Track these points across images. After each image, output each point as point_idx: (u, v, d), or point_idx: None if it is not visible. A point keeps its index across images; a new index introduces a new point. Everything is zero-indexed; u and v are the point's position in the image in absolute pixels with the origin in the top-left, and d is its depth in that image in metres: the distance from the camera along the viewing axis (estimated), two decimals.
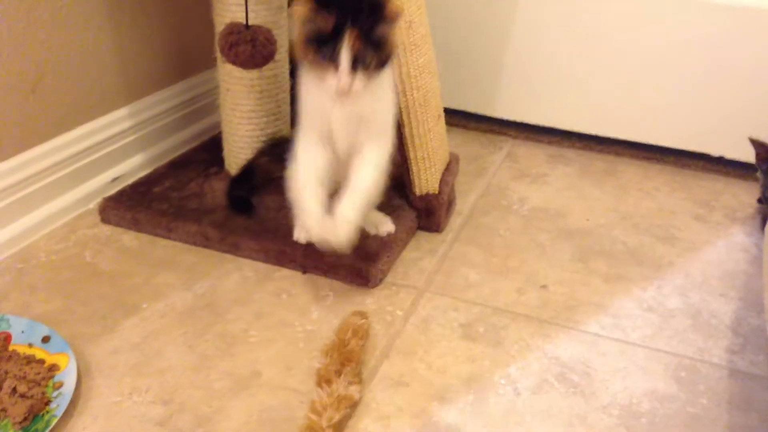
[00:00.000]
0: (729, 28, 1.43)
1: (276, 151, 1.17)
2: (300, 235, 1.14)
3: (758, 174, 1.39)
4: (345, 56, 0.85)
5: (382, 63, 0.90)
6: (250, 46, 1.03)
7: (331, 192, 1.01)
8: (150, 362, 0.93)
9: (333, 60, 0.86)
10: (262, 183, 1.19)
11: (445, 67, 1.60)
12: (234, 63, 1.06)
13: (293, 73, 1.22)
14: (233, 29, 1.05)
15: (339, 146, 0.99)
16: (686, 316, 1.08)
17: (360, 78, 0.88)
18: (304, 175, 0.98)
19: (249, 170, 1.18)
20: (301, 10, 0.85)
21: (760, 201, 1.39)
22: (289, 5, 1.24)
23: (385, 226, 1.17)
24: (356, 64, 0.87)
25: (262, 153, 1.24)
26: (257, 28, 1.06)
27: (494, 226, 1.30)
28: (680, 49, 1.47)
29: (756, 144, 1.38)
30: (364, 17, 0.85)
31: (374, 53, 0.88)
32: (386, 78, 0.96)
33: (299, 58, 0.92)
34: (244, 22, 1.07)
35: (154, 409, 0.86)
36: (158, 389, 0.89)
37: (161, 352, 0.95)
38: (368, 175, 0.99)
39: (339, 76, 0.86)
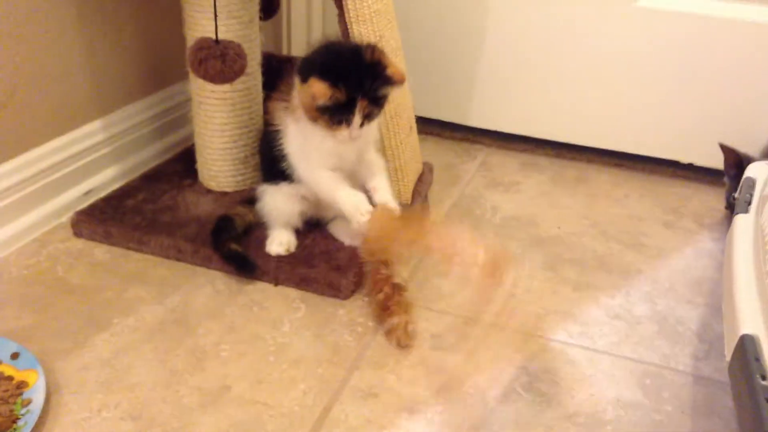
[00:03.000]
0: (698, 37, 1.45)
1: (249, 201, 1.21)
2: (272, 247, 1.15)
3: (725, 179, 1.42)
4: (357, 120, 0.99)
5: (381, 109, 1.03)
6: (220, 62, 1.04)
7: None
8: (120, 378, 0.93)
9: (347, 123, 0.99)
10: (242, 231, 1.17)
11: (419, 76, 1.62)
12: (204, 78, 1.06)
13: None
14: (203, 44, 1.05)
15: (348, 167, 1.09)
16: (653, 323, 1.10)
17: (365, 126, 1.01)
18: (335, 179, 1.06)
19: (226, 219, 1.17)
20: (318, 90, 0.94)
21: (727, 207, 1.41)
22: (261, 19, 1.25)
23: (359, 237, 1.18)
24: (370, 117, 1.01)
25: (236, 203, 1.23)
26: (227, 43, 1.06)
27: None
28: (650, 57, 1.50)
29: (725, 150, 1.40)
30: (369, 85, 0.97)
31: (377, 107, 1.01)
32: None
33: (307, 119, 1.01)
34: (214, 37, 1.07)
35: (124, 425, 0.86)
36: (128, 405, 0.89)
37: (131, 368, 0.95)
38: (382, 174, 1.12)
39: (351, 131, 0.99)
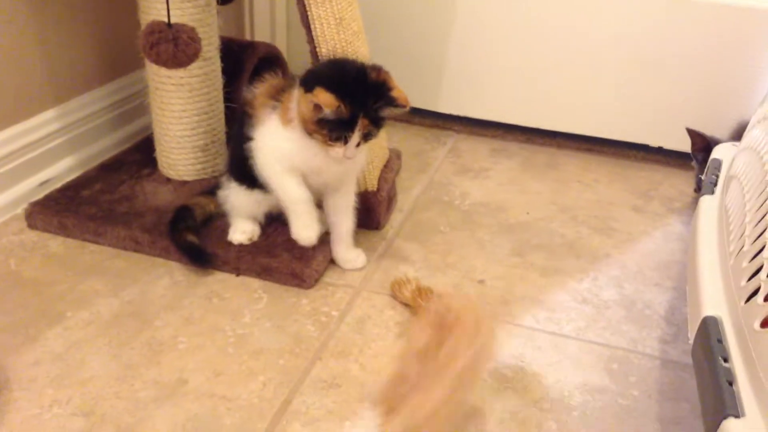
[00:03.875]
0: (665, 20, 1.44)
1: (211, 191, 1.18)
2: (234, 236, 1.12)
3: (693, 163, 1.41)
4: (355, 137, 0.97)
5: (379, 130, 1.02)
6: (172, 45, 1.01)
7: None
8: (72, 373, 0.90)
9: (345, 140, 0.97)
10: (201, 221, 1.14)
11: (387, 62, 1.58)
12: (156, 62, 1.03)
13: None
14: (155, 28, 1.02)
15: (320, 185, 1.07)
16: (620, 307, 1.09)
17: (360, 146, 1.00)
18: (301, 193, 1.04)
19: (185, 209, 1.14)
20: (324, 99, 0.93)
21: (696, 191, 1.41)
22: (218, 3, 1.21)
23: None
24: (367, 137, 1.00)
25: (197, 193, 1.20)
26: (180, 27, 1.03)
27: (435, 222, 1.30)
28: (618, 41, 1.49)
29: (692, 134, 1.39)
30: (372, 104, 0.97)
31: (376, 128, 1.00)
32: None
33: (303, 131, 0.99)
34: (167, 20, 1.04)
35: (75, 421, 0.83)
36: (80, 401, 0.86)
37: (84, 363, 0.92)
38: (350, 218, 1.12)
39: (346, 149, 0.98)
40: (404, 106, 0.98)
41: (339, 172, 1.06)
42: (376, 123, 0.99)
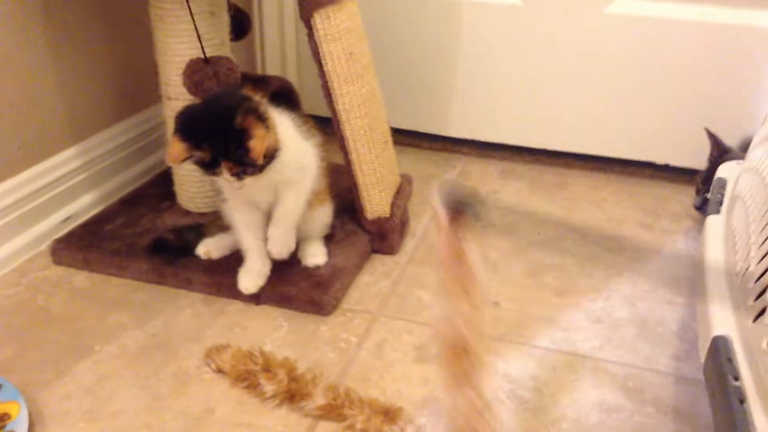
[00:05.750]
0: (667, 40, 1.47)
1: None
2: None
3: (697, 178, 1.42)
4: (227, 177, 0.98)
5: (264, 166, 0.99)
6: (215, 81, 1.05)
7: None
8: (103, 406, 0.93)
9: (215, 174, 0.98)
10: (179, 252, 1.18)
11: (396, 89, 1.63)
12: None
13: None
14: (195, 68, 1.06)
15: (262, 206, 1.09)
16: (633, 325, 1.11)
17: (248, 178, 0.99)
18: (246, 233, 1.10)
19: (161, 242, 1.19)
20: (173, 150, 0.95)
21: (696, 208, 1.42)
22: (231, 40, 1.25)
23: (314, 258, 1.17)
24: (240, 175, 0.98)
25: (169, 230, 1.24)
26: (216, 60, 1.07)
27: None
28: (622, 61, 1.52)
29: (711, 136, 1.40)
30: (234, 150, 0.95)
31: (253, 168, 0.98)
32: (286, 150, 1.02)
33: None
34: (201, 57, 1.08)
35: None
36: None
37: (114, 395, 0.95)
38: (289, 204, 1.09)
39: (236, 183, 0.99)
40: (254, 160, 0.95)
41: (264, 190, 1.06)
42: (248, 165, 0.97)
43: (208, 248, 1.17)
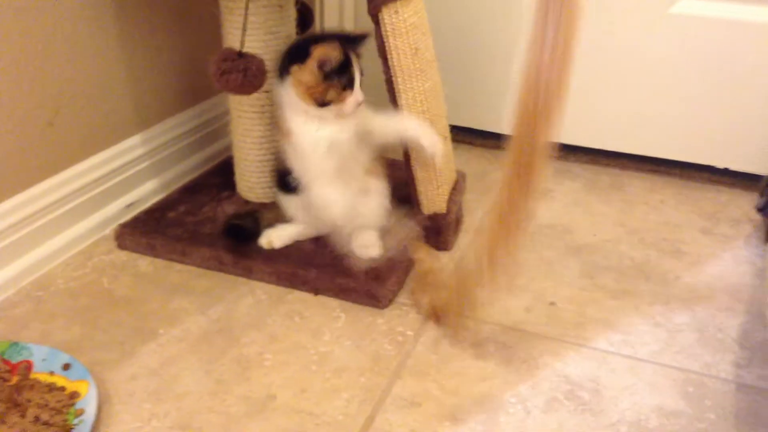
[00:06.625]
0: (731, 41, 1.44)
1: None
2: (264, 240, 1.19)
3: (764, 180, 1.39)
4: (357, 76, 1.07)
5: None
6: (242, 75, 1.06)
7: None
8: (168, 388, 0.95)
9: (349, 84, 1.06)
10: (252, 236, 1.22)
11: (454, 86, 1.62)
12: (223, 89, 1.08)
13: None
14: (227, 56, 1.07)
15: (350, 165, 1.14)
16: (693, 330, 1.10)
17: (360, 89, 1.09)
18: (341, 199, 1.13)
19: (235, 227, 1.22)
20: (327, 50, 1.04)
21: (760, 210, 1.39)
22: (297, 33, 1.26)
23: (367, 250, 1.19)
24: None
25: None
26: (251, 58, 1.07)
27: None
28: (684, 61, 1.49)
29: None
30: (355, 44, 1.08)
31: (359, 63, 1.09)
32: None
33: (313, 102, 1.07)
34: (237, 49, 1.09)
35: None
36: (176, 415, 0.91)
37: (178, 378, 0.97)
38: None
39: (355, 93, 1.07)
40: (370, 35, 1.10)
41: (356, 150, 1.13)
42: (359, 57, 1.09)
43: (270, 238, 1.19)
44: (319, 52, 1.03)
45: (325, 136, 1.08)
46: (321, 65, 1.04)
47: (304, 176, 1.13)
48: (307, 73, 1.05)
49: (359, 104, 1.08)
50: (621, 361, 1.03)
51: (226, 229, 1.20)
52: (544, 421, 0.92)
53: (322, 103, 1.06)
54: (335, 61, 1.04)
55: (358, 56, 1.08)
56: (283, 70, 1.08)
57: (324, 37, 1.07)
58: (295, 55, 1.07)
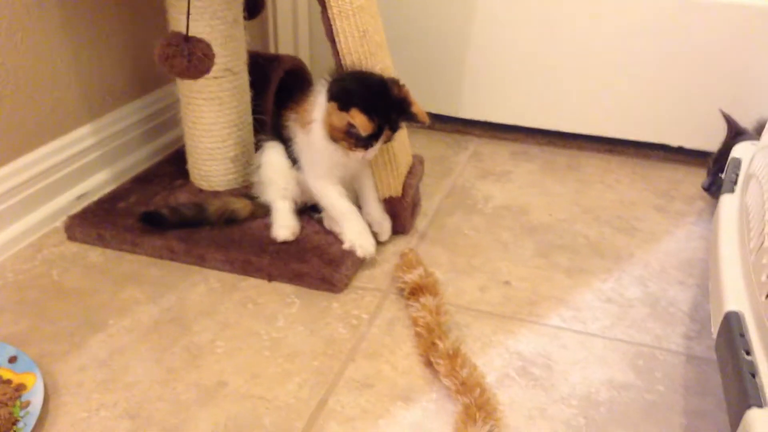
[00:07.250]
0: (681, 20, 1.46)
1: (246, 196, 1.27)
2: (279, 232, 1.18)
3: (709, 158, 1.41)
4: (378, 145, 1.09)
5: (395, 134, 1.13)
6: (186, 60, 1.04)
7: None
8: (117, 378, 0.94)
9: (368, 147, 1.08)
10: (218, 217, 1.22)
11: (408, 70, 1.62)
12: (168, 73, 1.07)
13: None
14: (171, 41, 1.05)
15: (349, 177, 1.19)
16: (645, 305, 1.11)
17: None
18: (342, 200, 1.17)
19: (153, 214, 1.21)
20: (361, 123, 1.03)
21: (706, 189, 1.40)
22: (245, 18, 1.25)
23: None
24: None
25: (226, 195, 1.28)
26: (196, 42, 1.06)
27: (459, 226, 1.33)
28: (635, 41, 1.51)
29: (727, 117, 1.38)
30: (395, 119, 1.09)
31: (393, 133, 1.11)
32: None
33: (328, 137, 1.09)
34: (183, 33, 1.07)
35: (122, 423, 0.87)
36: (125, 404, 0.90)
37: (128, 367, 0.96)
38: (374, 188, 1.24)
39: (367, 153, 1.09)
40: (424, 122, 1.10)
41: (359, 163, 1.15)
42: (394, 130, 1.10)
43: (294, 229, 1.19)
44: (355, 119, 1.03)
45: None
46: (350, 127, 1.05)
47: (306, 165, 1.17)
48: (337, 118, 1.06)
49: (365, 160, 1.11)
50: (572, 336, 1.04)
51: (143, 215, 1.19)
52: (497, 397, 0.92)
53: (335, 141, 1.09)
54: (364, 134, 1.05)
55: (394, 126, 1.09)
56: (332, 97, 1.07)
57: (372, 96, 1.06)
58: (339, 94, 1.07)
